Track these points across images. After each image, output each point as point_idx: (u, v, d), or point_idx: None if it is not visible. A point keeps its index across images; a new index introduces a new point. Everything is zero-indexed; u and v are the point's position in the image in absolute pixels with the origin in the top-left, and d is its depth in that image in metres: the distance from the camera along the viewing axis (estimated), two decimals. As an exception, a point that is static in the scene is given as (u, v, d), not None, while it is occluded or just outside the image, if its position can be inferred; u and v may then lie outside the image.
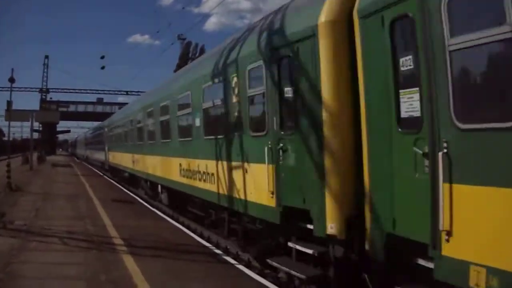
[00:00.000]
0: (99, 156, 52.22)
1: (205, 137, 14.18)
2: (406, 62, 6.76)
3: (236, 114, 11.74)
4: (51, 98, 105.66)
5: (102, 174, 45.54)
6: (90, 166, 61.60)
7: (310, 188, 8.79)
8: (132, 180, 30.94)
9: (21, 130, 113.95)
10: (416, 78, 6.51)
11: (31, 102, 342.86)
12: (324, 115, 8.32)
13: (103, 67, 48.70)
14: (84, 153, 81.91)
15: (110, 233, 14.47)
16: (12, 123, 42.50)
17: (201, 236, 15.03)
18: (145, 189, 26.97)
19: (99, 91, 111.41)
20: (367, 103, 7.58)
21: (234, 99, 11.79)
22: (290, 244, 9.64)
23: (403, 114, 6.83)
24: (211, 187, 13.89)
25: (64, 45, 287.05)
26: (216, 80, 12.99)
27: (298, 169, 9.20)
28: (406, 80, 6.79)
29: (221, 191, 13.04)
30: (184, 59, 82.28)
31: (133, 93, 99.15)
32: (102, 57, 47.58)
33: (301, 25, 9.11)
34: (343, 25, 8.16)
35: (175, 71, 69.92)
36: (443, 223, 5.86)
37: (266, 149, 9.91)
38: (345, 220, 8.16)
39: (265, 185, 10.00)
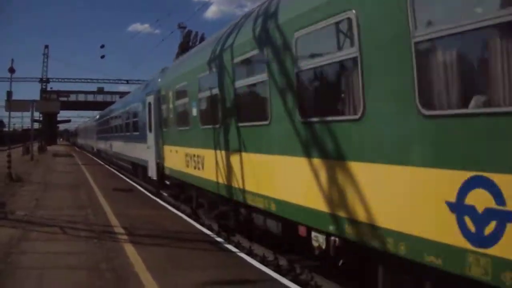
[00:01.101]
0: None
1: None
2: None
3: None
4: (51, 88, 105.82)
5: (102, 163, 45.53)
6: (89, 155, 61.73)
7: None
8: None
9: (21, 120, 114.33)
10: None
11: (32, 92, 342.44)
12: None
13: (103, 56, 48.98)
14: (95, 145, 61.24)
15: (111, 222, 14.47)
16: (13, 114, 42.69)
17: (202, 224, 14.99)
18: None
19: (99, 80, 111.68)
20: None
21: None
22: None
23: None
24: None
25: (64, 35, 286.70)
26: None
27: None
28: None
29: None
30: (184, 48, 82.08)
31: (134, 82, 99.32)
32: (102, 46, 47.88)
33: None
34: None
35: (174, 60, 69.81)
36: None
37: None
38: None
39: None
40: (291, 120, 8.79)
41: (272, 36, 9.44)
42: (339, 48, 7.61)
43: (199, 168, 14.67)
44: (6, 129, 75.52)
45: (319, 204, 7.96)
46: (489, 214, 4.95)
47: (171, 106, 18.32)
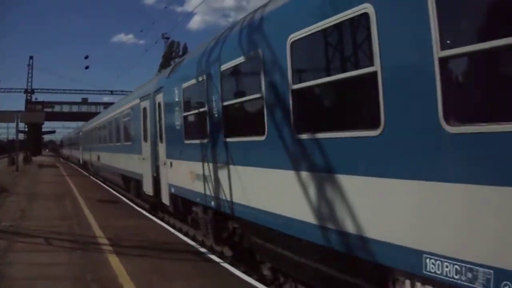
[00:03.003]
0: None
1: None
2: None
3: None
4: (36, 98, 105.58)
5: (87, 174, 45.39)
6: (74, 166, 61.51)
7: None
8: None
9: (7, 131, 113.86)
10: None
11: (17, 103, 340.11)
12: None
13: (87, 67, 48.96)
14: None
15: (96, 233, 14.52)
16: (-2, 124, 42.48)
17: (186, 235, 15.12)
18: None
19: (84, 91, 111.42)
20: None
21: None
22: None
23: None
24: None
25: (48, 46, 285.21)
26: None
27: None
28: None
29: None
30: (168, 58, 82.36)
31: (118, 92, 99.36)
32: (86, 57, 48.19)
33: None
34: None
35: (159, 70, 69.91)
36: None
37: None
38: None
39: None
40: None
41: None
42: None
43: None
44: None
45: None
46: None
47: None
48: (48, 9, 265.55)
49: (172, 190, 16.24)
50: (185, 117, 14.40)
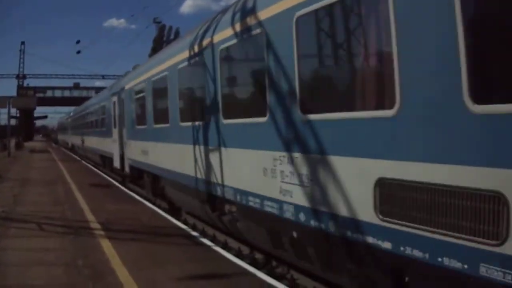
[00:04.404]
0: None
1: None
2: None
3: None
4: (28, 84, 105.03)
5: (78, 159, 45.38)
6: (65, 151, 61.46)
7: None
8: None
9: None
10: None
11: (9, 89, 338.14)
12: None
13: (78, 52, 48.68)
14: None
15: (88, 217, 14.56)
16: (-10, 110, 42.33)
17: (178, 218, 15.18)
18: None
19: (76, 76, 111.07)
20: None
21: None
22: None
23: None
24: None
25: (40, 31, 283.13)
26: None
27: None
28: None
29: None
30: (159, 43, 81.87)
31: (110, 77, 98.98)
32: (78, 42, 47.74)
33: None
34: None
35: (150, 55, 69.55)
36: None
37: None
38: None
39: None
40: None
41: None
42: None
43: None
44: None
45: None
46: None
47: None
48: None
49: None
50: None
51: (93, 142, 36.99)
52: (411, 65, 5.58)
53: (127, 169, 23.06)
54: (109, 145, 27.79)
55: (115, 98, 25.36)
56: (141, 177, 20.81)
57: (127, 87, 22.11)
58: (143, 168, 19.60)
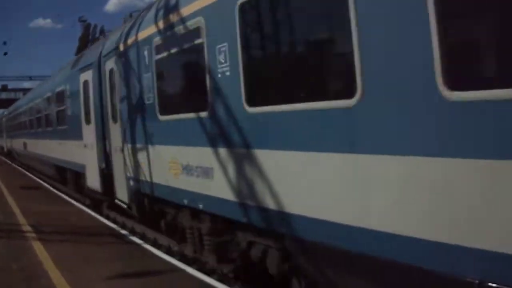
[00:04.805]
0: None
1: None
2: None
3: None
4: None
5: (11, 163, 44.37)
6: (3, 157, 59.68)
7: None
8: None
9: None
10: None
11: None
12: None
13: (5, 53, 47.98)
14: None
15: (19, 220, 14.62)
16: None
17: (107, 217, 15.37)
18: None
19: (3, 78, 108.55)
20: None
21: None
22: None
23: None
24: None
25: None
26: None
27: None
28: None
29: None
30: (84, 41, 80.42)
31: (37, 78, 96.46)
32: (5, 43, 46.98)
33: None
34: None
35: (76, 53, 68.34)
36: None
37: None
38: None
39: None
40: None
41: None
42: None
43: None
44: None
45: None
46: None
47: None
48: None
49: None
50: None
51: (43, 147, 26.35)
52: (373, 50, 4.95)
53: (121, 195, 13.65)
54: (75, 152, 18.21)
55: (87, 75, 16.31)
56: (162, 215, 11.89)
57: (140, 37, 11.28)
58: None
